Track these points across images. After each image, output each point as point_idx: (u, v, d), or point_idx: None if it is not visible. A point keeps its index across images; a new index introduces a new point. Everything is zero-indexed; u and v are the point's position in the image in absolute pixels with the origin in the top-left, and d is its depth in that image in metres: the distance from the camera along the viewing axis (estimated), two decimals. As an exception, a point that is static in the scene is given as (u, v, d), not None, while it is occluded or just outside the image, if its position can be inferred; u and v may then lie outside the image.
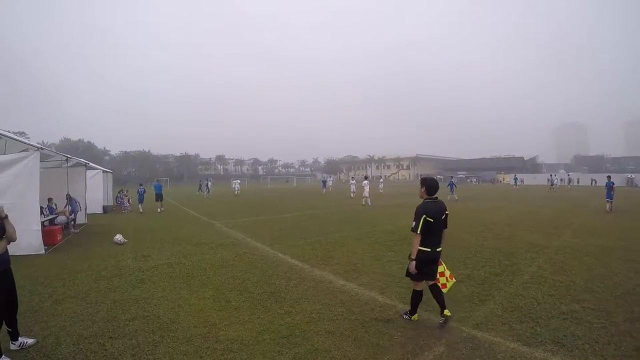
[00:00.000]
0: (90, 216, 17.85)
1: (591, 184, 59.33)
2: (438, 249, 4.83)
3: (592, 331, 4.57)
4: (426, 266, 4.78)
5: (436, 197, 4.91)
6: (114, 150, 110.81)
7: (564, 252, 9.09)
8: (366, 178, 25.89)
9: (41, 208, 10.99)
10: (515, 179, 51.64)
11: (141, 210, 21.94)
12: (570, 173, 75.20)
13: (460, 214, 17.76)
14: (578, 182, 65.00)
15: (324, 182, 44.99)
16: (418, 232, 4.65)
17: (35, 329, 4.78)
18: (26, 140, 11.03)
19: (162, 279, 7.19)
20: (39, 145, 10.29)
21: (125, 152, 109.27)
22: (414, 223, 4.71)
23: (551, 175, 48.74)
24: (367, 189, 23.60)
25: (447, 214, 4.97)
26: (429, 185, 4.92)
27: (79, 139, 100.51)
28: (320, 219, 16.70)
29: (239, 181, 43.30)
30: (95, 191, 20.47)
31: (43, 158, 11.92)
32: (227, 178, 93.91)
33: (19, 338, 4.30)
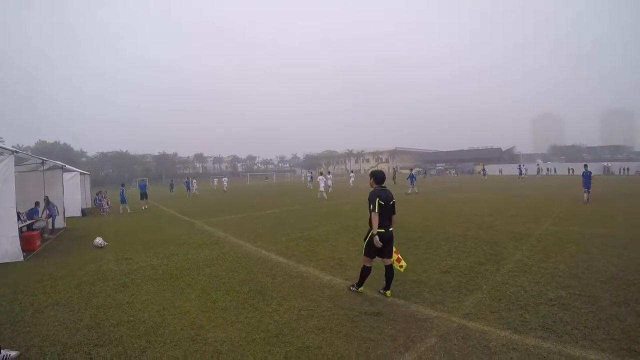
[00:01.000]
0: (69, 220, 17.42)
1: (569, 172, 60.64)
2: (390, 229, 5.68)
3: (580, 316, 4.64)
4: (383, 245, 5.49)
5: (384, 186, 5.82)
6: (91, 152, 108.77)
7: (546, 240, 9.24)
8: (321, 174, 27.96)
9: (18, 214, 10.66)
10: (484, 170, 52.60)
11: (121, 210, 22.13)
12: (548, 162, 76.99)
13: (441, 205, 17.93)
14: (555, 171, 66.43)
15: (311, 177, 44.40)
16: (376, 211, 5.45)
17: (18, 341, 4.58)
18: (0, 144, 10.65)
19: (146, 281, 7.03)
20: (13, 149, 9.95)
21: (103, 153, 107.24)
22: (371, 205, 5.51)
23: (519, 165, 49.85)
24: (322, 184, 25.36)
25: (394, 202, 5.78)
26: (376, 177, 5.90)
27: (55, 141, 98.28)
28: (302, 215, 16.64)
29: (226, 178, 47.65)
30: (72, 194, 20.00)
31: (18, 162, 11.56)
32: (207, 176, 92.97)
33: (2, 351, 4.11)
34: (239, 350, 4.14)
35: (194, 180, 40.37)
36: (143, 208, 23.82)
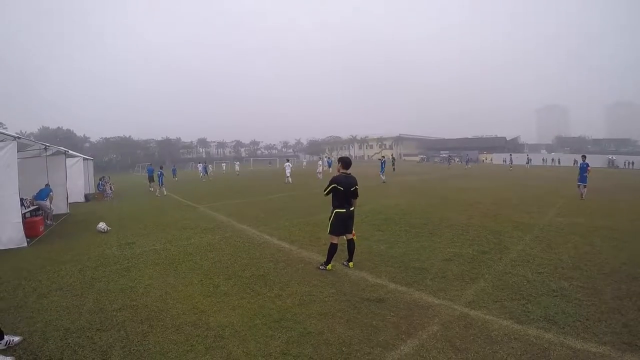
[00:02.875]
0: (72, 205, 17.47)
1: (574, 164, 60.31)
2: (351, 209, 6.38)
3: (582, 308, 4.62)
4: (343, 223, 6.30)
5: (349, 173, 6.39)
6: (94, 137, 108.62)
7: (549, 230, 9.20)
8: (288, 160, 29.51)
9: (22, 200, 10.67)
10: (468, 159, 53.40)
11: (158, 193, 22.78)
12: (553, 153, 76.69)
13: (444, 193, 17.83)
14: (559, 162, 66.15)
15: (330, 162, 43.81)
16: (325, 194, 6.38)
17: (21, 326, 4.59)
18: (3, 130, 10.62)
19: (148, 266, 7.06)
20: (16, 135, 9.92)
21: (106, 138, 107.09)
22: (325, 188, 6.39)
23: (510, 154, 51.45)
24: (288, 170, 27.02)
25: (356, 187, 6.37)
26: (344, 162, 6.45)
27: (58, 127, 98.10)
28: (305, 200, 16.63)
29: (238, 162, 52.47)
30: (76, 179, 20.10)
31: (21, 148, 11.56)
32: (210, 161, 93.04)
33: (5, 337, 4.12)
34: (240, 335, 4.15)
35: (210, 165, 42.01)
36: (150, 190, 25.54)
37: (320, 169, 32.34)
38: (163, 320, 4.61)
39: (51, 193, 13.35)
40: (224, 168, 56.39)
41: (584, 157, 16.71)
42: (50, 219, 13.18)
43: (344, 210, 6.24)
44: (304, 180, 29.55)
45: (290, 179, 26.48)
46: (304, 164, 54.95)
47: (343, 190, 6.16)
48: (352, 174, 6.45)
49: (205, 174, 38.28)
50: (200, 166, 42.50)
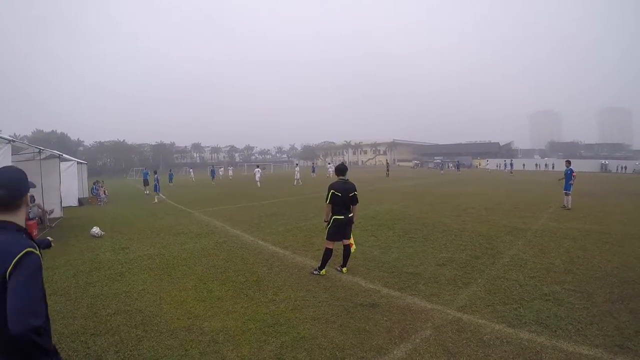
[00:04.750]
0: (66, 209, 17.36)
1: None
2: (350, 215, 6.38)
3: (574, 312, 4.67)
4: (341, 229, 6.33)
5: (347, 179, 6.46)
6: (88, 141, 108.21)
7: (542, 235, 9.27)
8: (257, 166, 31.95)
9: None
10: (442, 163, 55.90)
11: (156, 200, 21.79)
12: (546, 158, 77.50)
13: (438, 199, 17.91)
14: (553, 167, 66.74)
15: (314, 168, 45.85)
16: (327, 202, 6.27)
17: (14, 329, 4.57)
18: (-4, 133, 10.59)
19: (142, 271, 7.04)
20: (10, 138, 9.87)
21: (100, 142, 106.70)
22: (326, 196, 6.30)
23: (511, 160, 53.81)
24: (258, 175, 29.28)
25: (355, 193, 6.40)
26: (337, 169, 6.65)
27: (52, 131, 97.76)
28: (299, 205, 16.66)
29: (232, 167, 53.76)
30: (70, 183, 19.95)
31: (15, 151, 11.51)
32: (204, 166, 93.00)
33: None
34: (234, 340, 4.15)
35: (221, 168, 43.57)
36: (145, 194, 26.10)
37: (297, 175, 32.54)
38: (157, 325, 4.60)
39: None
40: (221, 173, 57.36)
41: (568, 162, 15.52)
42: (47, 222, 13.13)
43: (342, 216, 6.27)
44: (296, 185, 29.59)
45: (258, 183, 28.60)
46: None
47: (341, 196, 6.20)
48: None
49: (213, 178, 39.60)
50: (191, 171, 45.51)
